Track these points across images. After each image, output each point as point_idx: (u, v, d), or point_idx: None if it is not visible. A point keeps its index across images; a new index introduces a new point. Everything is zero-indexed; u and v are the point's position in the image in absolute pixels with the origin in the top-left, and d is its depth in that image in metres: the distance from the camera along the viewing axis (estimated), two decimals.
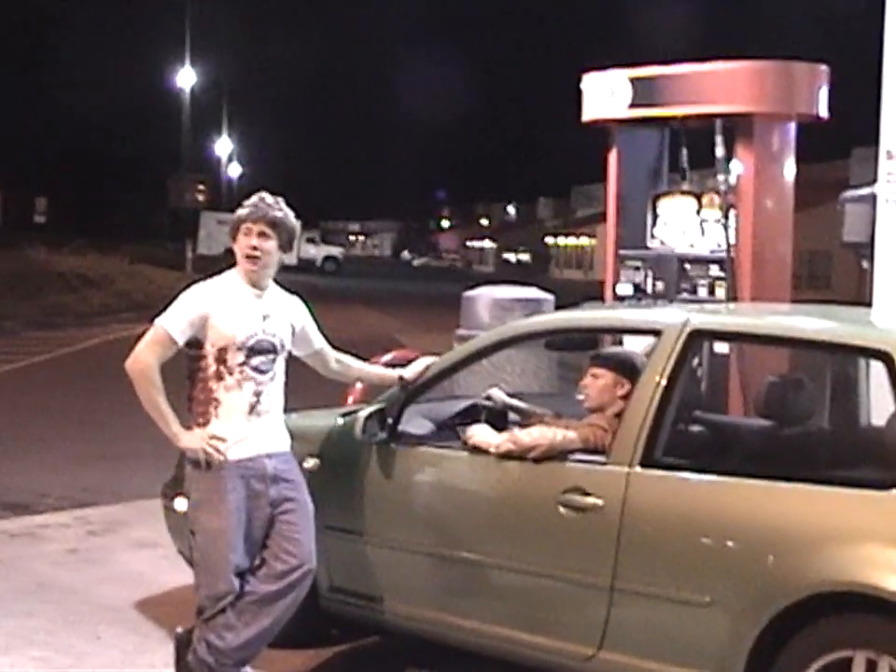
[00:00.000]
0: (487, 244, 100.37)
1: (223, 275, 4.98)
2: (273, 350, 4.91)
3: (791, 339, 4.83)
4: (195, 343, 4.82)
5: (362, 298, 38.09)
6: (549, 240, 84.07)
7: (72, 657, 5.48)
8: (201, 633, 4.82)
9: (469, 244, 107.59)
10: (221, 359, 4.81)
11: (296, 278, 52.73)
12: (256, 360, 4.85)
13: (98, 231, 40.88)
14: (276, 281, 5.05)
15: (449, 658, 5.30)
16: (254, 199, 4.99)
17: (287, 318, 5.03)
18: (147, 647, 5.67)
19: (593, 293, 16.35)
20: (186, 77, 54.86)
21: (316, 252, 68.53)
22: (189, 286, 5.00)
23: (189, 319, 4.78)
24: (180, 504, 5.98)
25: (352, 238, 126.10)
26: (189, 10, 53.27)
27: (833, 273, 40.73)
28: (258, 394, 4.86)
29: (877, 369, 4.59)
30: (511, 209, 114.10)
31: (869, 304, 7.28)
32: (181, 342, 4.79)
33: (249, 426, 4.84)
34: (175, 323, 4.79)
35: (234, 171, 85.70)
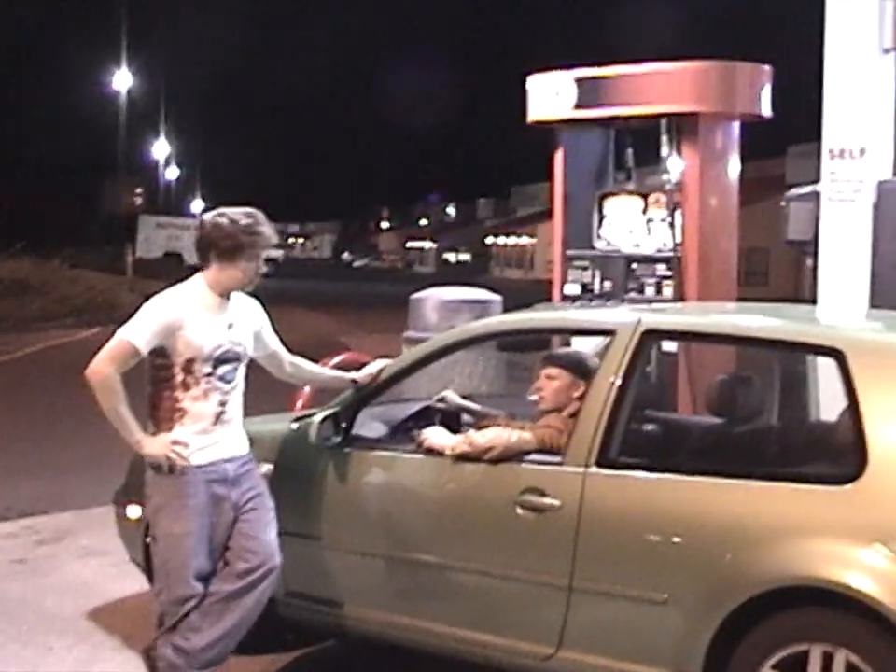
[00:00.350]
0: (427, 244, 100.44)
1: (187, 284, 4.91)
2: (237, 359, 4.89)
3: (744, 338, 4.87)
4: (160, 352, 4.76)
5: (304, 300, 37.93)
6: (489, 240, 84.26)
7: (24, 670, 5.41)
8: (165, 639, 4.78)
9: (408, 244, 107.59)
10: (188, 370, 4.77)
11: None
12: (222, 370, 4.82)
13: (34, 236, 40.31)
14: None
15: (407, 663, 5.30)
16: (265, 223, 4.90)
17: (249, 324, 5.01)
18: (100, 656, 5.62)
19: (536, 293, 16.47)
20: (122, 80, 54.39)
21: None
22: (147, 294, 4.93)
23: (155, 331, 4.72)
24: (132, 511, 5.95)
25: (291, 240, 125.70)
26: (123, 11, 52.84)
27: (771, 270, 41.13)
28: (223, 403, 4.84)
29: (827, 366, 4.64)
30: (450, 209, 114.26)
31: (809, 301, 7.38)
32: (145, 353, 4.73)
33: (213, 434, 4.82)
34: (139, 335, 4.72)
35: (172, 174, 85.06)
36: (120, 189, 56.97)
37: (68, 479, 9.78)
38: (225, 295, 4.89)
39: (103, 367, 4.71)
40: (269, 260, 4.98)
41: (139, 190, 68.17)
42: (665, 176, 8.15)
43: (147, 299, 4.86)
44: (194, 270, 5.01)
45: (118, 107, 53.55)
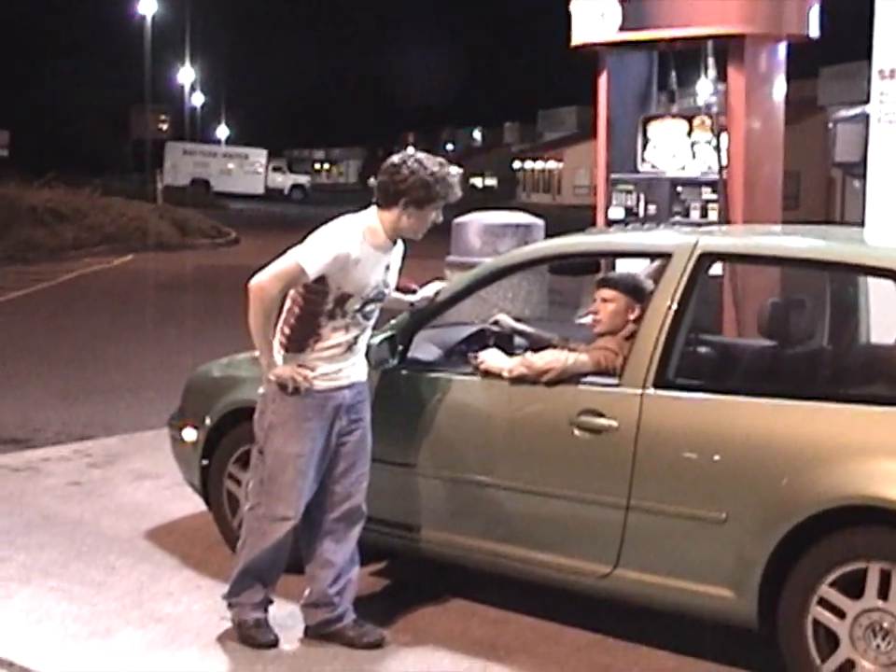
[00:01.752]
0: (457, 170, 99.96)
1: (363, 218, 4.81)
2: (382, 298, 4.92)
3: (801, 260, 4.86)
4: (319, 278, 4.71)
5: None
6: (516, 165, 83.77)
7: (90, 587, 5.53)
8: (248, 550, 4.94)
9: None
10: (341, 303, 4.76)
11: (265, 207, 52.74)
12: (368, 308, 4.84)
13: (63, 165, 40.32)
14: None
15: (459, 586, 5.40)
16: (454, 177, 4.83)
17: (396, 265, 4.99)
18: (161, 575, 5.73)
19: (567, 219, 16.42)
20: (147, 5, 53.99)
21: (284, 181, 68.13)
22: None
23: (327, 261, 4.66)
24: (188, 434, 6.05)
25: (317, 166, 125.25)
26: None
27: (802, 194, 40.85)
28: (357, 336, 4.87)
29: (884, 288, 4.65)
30: (476, 134, 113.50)
31: (841, 224, 7.35)
32: (312, 279, 4.70)
33: (341, 363, 4.85)
34: (312, 261, 4.66)
35: (197, 100, 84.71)
36: (147, 117, 56.65)
37: (116, 403, 9.91)
38: (394, 239, 4.87)
39: (268, 283, 4.68)
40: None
41: (165, 117, 67.84)
42: (710, 99, 8.10)
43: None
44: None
45: (143, 34, 53.15)
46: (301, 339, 4.82)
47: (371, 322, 4.95)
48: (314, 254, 4.69)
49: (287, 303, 4.86)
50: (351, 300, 4.78)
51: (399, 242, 4.96)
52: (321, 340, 4.81)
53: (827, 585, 4.27)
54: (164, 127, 65.62)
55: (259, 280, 4.70)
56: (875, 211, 7.30)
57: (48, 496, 7.05)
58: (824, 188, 41.97)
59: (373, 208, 4.85)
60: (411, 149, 4.89)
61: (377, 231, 4.81)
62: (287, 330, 4.85)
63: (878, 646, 4.19)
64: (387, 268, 4.88)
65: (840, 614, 4.26)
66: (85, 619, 5.17)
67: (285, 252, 4.77)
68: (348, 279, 4.73)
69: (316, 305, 4.78)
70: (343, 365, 4.87)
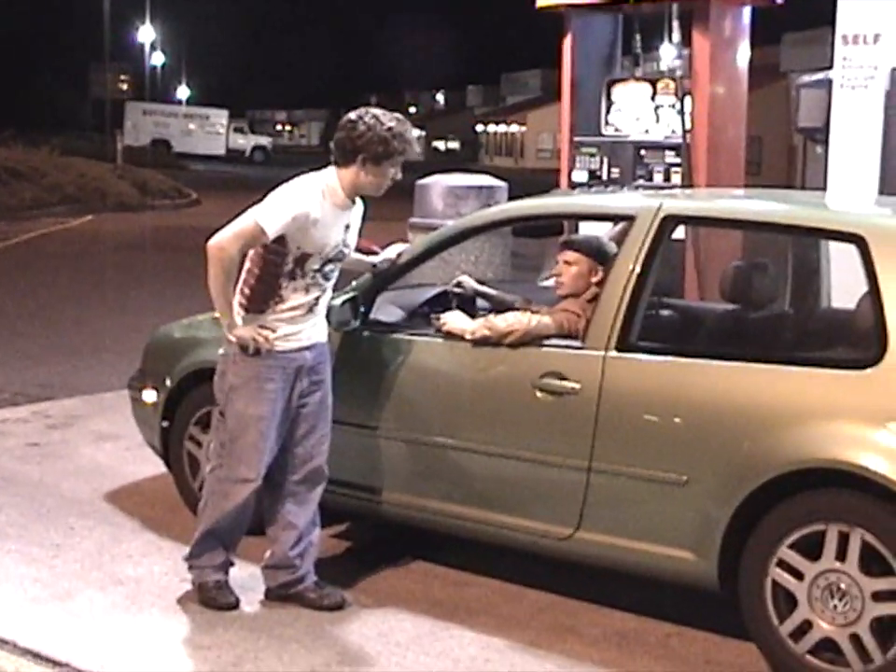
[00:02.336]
0: (416, 132, 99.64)
1: (321, 177, 4.76)
2: (342, 258, 4.88)
3: (765, 223, 4.86)
4: (278, 239, 4.67)
5: None
6: (479, 128, 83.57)
7: (50, 549, 5.50)
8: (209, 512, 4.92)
9: None
10: (301, 262, 4.71)
11: (227, 169, 52.39)
12: (328, 268, 4.80)
13: (22, 123, 39.85)
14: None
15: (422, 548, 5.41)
16: (411, 132, 4.77)
17: (356, 225, 4.95)
18: (121, 536, 5.70)
19: (530, 182, 16.38)
20: None
21: (245, 142, 67.59)
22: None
23: (286, 220, 4.62)
24: (148, 396, 6.02)
25: (279, 128, 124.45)
26: None
27: (764, 159, 40.96)
28: (318, 297, 4.84)
29: (846, 252, 4.66)
30: (439, 97, 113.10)
31: (802, 188, 7.38)
32: (271, 239, 4.65)
33: (301, 324, 4.82)
34: (271, 220, 4.62)
35: (158, 59, 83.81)
36: (107, 76, 56.00)
37: (75, 364, 9.84)
38: (353, 198, 4.83)
39: (227, 243, 4.63)
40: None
41: (125, 77, 67.10)
42: (674, 63, 8.09)
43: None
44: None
45: None
46: (262, 300, 4.79)
47: (331, 283, 4.92)
48: (273, 213, 4.65)
49: (247, 264, 4.82)
50: (311, 259, 4.74)
51: (359, 201, 4.92)
52: (282, 301, 4.78)
53: (786, 547, 4.30)
54: (125, 87, 64.99)
55: (217, 240, 4.66)
56: (836, 176, 7.33)
57: (5, 457, 7.00)
58: (786, 153, 42.09)
59: (332, 167, 4.81)
60: (366, 108, 4.82)
61: (336, 189, 4.76)
62: (247, 291, 4.82)
63: (835, 606, 4.22)
64: (347, 227, 4.85)
65: (798, 576, 4.29)
66: (45, 581, 5.14)
67: (244, 212, 4.73)
68: (308, 239, 4.69)
69: (276, 266, 4.74)
70: (303, 326, 4.84)
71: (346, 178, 4.76)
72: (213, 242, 4.67)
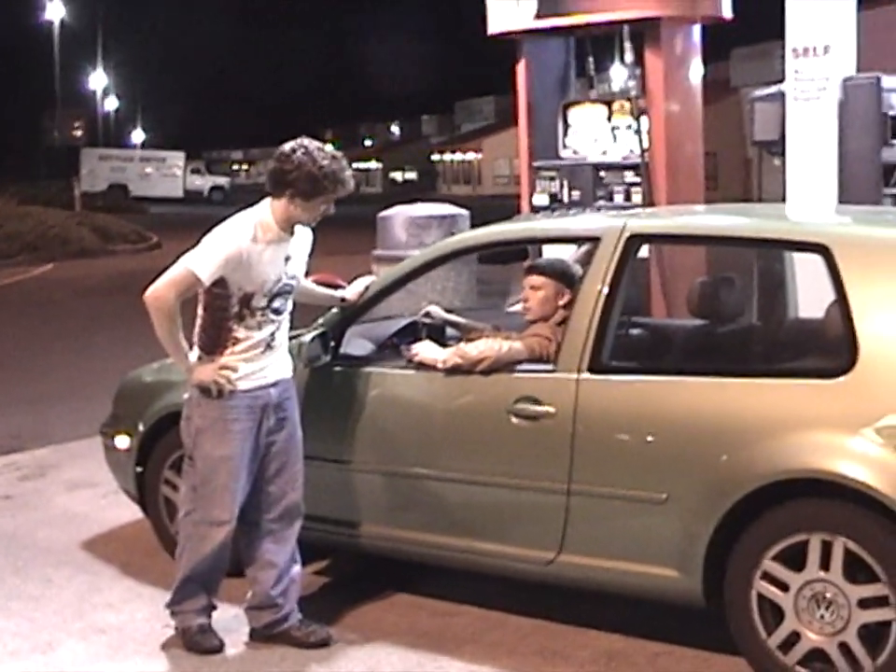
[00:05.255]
0: (373, 164, 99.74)
1: (253, 214, 4.74)
2: (290, 291, 4.85)
3: (730, 238, 4.90)
4: (219, 282, 4.65)
5: None
6: (435, 157, 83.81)
7: (28, 601, 5.44)
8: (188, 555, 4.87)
9: (354, 165, 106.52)
10: (245, 302, 4.70)
11: (186, 210, 52.19)
12: (276, 303, 4.78)
13: None
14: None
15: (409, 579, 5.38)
16: (345, 171, 4.72)
17: (302, 255, 4.92)
18: (100, 585, 5.65)
19: (489, 209, 16.40)
20: (55, 10, 53.34)
21: (203, 182, 67.52)
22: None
23: (219, 263, 4.60)
24: (121, 442, 5.97)
25: (236, 167, 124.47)
26: None
27: (720, 173, 41.27)
28: (273, 333, 4.81)
29: (812, 262, 4.69)
30: (394, 128, 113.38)
31: (760, 201, 7.44)
32: (207, 284, 4.63)
33: (262, 360, 4.80)
34: (203, 266, 4.61)
35: (111, 104, 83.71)
36: (61, 122, 56.00)
37: (44, 413, 9.75)
38: (288, 230, 4.80)
39: (163, 292, 4.63)
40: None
41: (78, 123, 67.03)
42: (628, 83, 8.15)
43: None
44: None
45: (52, 40, 52.51)
46: (217, 343, 4.77)
47: (285, 315, 4.88)
48: (204, 258, 4.64)
49: (199, 309, 4.82)
50: (255, 297, 4.72)
51: (305, 229, 4.91)
52: (237, 342, 4.76)
53: (770, 559, 4.31)
54: (79, 133, 64.87)
55: (153, 289, 4.66)
56: (795, 187, 7.40)
57: None
58: (742, 167, 42.44)
59: (267, 199, 4.79)
60: (306, 139, 4.81)
61: (269, 224, 4.73)
62: (202, 335, 4.81)
63: (822, 616, 4.23)
64: (287, 259, 4.81)
65: (783, 587, 4.29)
66: (24, 634, 5.09)
67: (178, 259, 4.71)
68: (247, 278, 4.68)
69: (223, 310, 4.73)
70: (265, 363, 4.82)
71: (278, 210, 4.75)
72: (149, 292, 4.67)
